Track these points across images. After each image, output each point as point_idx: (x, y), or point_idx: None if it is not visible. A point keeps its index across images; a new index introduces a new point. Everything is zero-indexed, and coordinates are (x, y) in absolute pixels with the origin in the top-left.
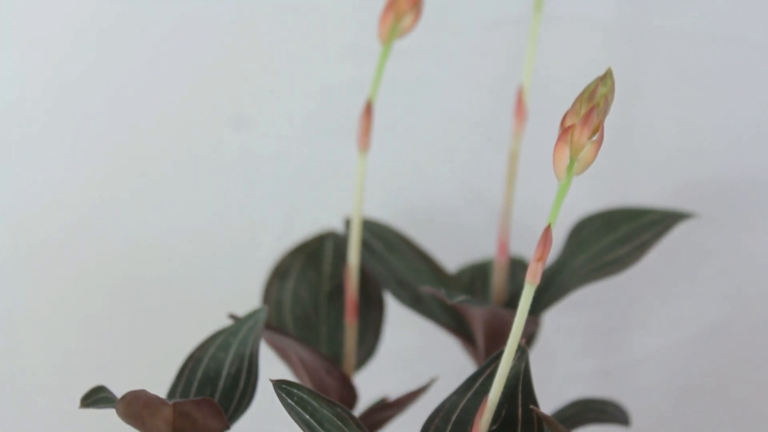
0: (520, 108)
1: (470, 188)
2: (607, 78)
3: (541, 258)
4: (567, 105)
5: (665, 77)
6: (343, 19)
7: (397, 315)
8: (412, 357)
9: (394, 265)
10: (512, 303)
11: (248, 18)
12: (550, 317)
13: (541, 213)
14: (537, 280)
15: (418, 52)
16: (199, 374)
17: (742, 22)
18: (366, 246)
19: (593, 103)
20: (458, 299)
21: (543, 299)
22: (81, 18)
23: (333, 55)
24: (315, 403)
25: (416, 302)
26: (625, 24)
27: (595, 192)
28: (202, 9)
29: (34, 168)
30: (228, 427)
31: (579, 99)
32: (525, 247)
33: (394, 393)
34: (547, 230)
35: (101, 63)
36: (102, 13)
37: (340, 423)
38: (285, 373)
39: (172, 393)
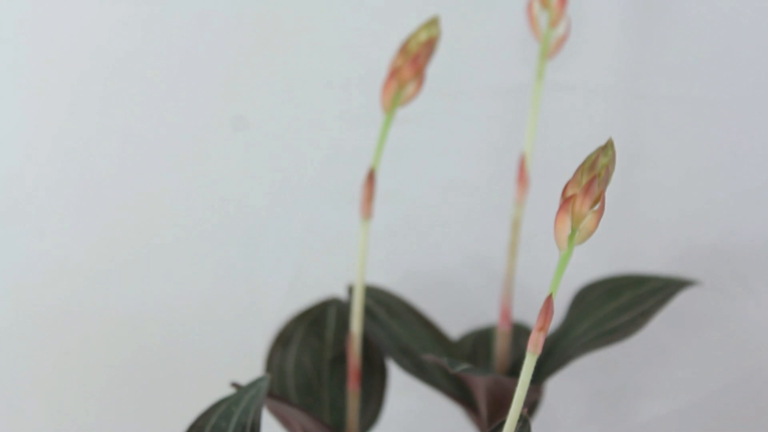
0: (522, 176)
1: (473, 254)
2: (608, 148)
3: (542, 328)
4: (569, 172)
5: (667, 144)
6: (346, 86)
7: (399, 382)
8: (414, 424)
9: (396, 332)
10: (515, 370)
11: (253, 86)
12: (554, 383)
13: (544, 279)
14: (539, 350)
15: (421, 118)
16: None
17: (743, 89)
18: (369, 313)
19: (594, 173)
20: (460, 368)
21: (546, 367)
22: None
23: (337, 121)
24: None
25: (419, 369)
26: (626, 91)
27: (598, 257)
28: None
29: (37, 236)
30: None
31: (580, 169)
32: (528, 312)
33: None
34: (549, 300)
35: (104, 130)
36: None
37: None
38: None
39: None
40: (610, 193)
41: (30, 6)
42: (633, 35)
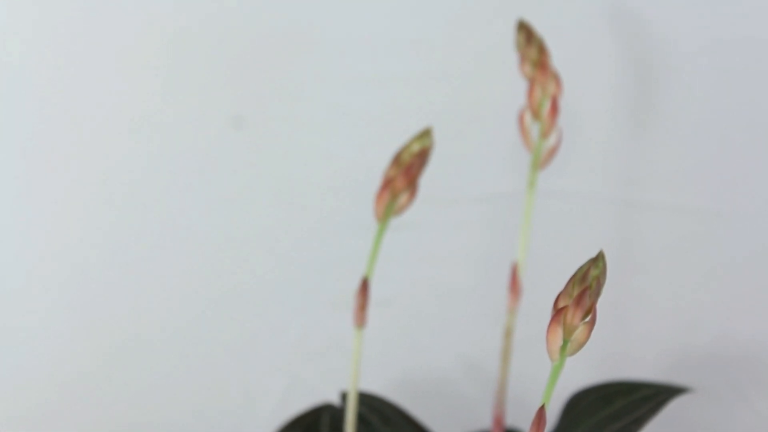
0: (514, 284)
1: (466, 360)
2: (598, 260)
3: None
4: (562, 279)
5: (660, 250)
6: (340, 193)
7: None
8: None
9: None
10: None
11: (247, 195)
12: None
13: (537, 385)
14: None
15: (414, 225)
16: None
17: (733, 197)
18: (362, 420)
19: (585, 285)
20: None
21: None
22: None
23: (330, 228)
24: None
25: None
26: (617, 198)
27: (590, 363)
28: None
29: (30, 327)
30: None
31: (571, 280)
32: (521, 418)
33: None
34: (541, 410)
35: (97, 227)
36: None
37: None
38: None
39: None
40: (602, 299)
41: (30, 5)
42: (625, 143)
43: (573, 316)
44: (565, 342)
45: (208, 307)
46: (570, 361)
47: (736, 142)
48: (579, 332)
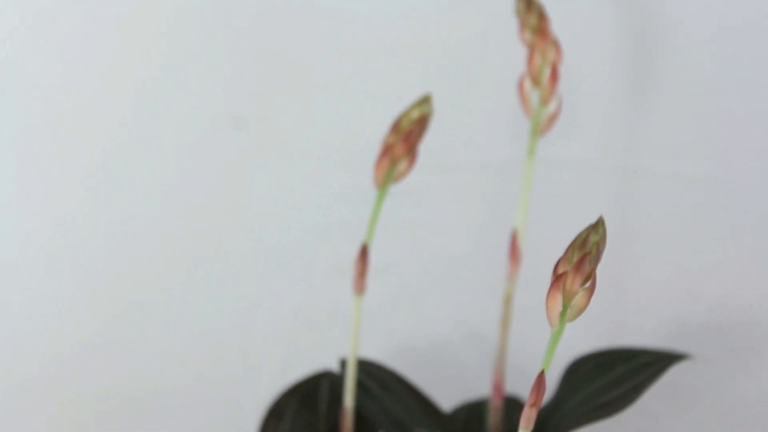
0: (514, 251)
1: (465, 328)
2: (598, 226)
3: (534, 404)
4: (561, 246)
5: (659, 218)
6: (339, 161)
7: None
8: None
9: (389, 405)
10: None
11: (247, 160)
12: None
13: (536, 352)
14: (531, 426)
15: (413, 192)
16: None
17: (734, 164)
18: (361, 387)
19: (585, 251)
20: None
21: None
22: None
23: (329, 196)
24: None
25: None
26: (617, 166)
27: (590, 331)
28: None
29: (29, 297)
30: None
31: (571, 246)
32: (521, 385)
33: None
34: (541, 376)
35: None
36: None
37: None
38: None
39: None
40: (601, 267)
41: (29, 4)
42: (625, 111)
43: (573, 282)
44: (565, 308)
45: (207, 274)
46: (569, 330)
47: (735, 110)
48: (579, 298)
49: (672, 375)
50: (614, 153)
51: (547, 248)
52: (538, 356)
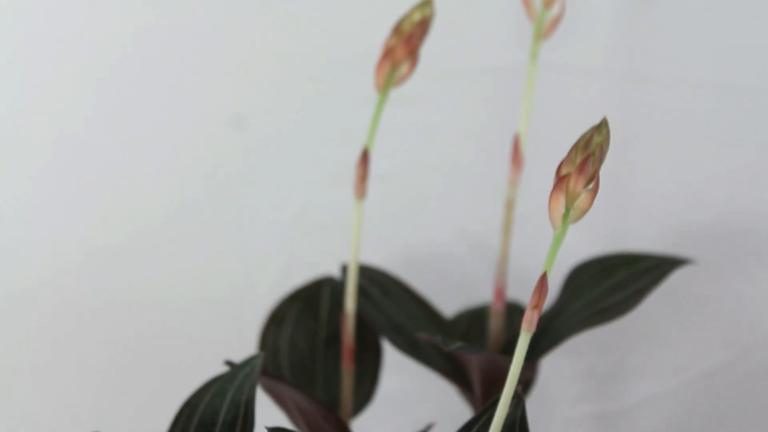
0: (516, 156)
1: (467, 233)
2: (602, 127)
3: (536, 306)
4: (563, 152)
5: (662, 124)
6: (339, 66)
7: (393, 361)
8: (409, 403)
9: (390, 311)
10: (509, 349)
11: (246, 68)
12: (548, 362)
13: (538, 258)
14: (533, 328)
15: (414, 98)
16: (195, 421)
17: (738, 69)
18: (362, 292)
19: (589, 152)
20: (454, 346)
21: (539, 345)
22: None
23: (329, 102)
24: None
25: (413, 348)
26: (620, 71)
27: (592, 237)
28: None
29: (31, 219)
30: None
31: (574, 148)
32: (522, 291)
33: None
34: (543, 278)
35: (98, 117)
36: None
37: None
38: (281, 420)
39: None
40: (604, 173)
41: (29, 4)
42: (628, 16)
43: (576, 183)
44: (568, 209)
45: (207, 182)
46: (571, 237)
47: (739, 15)
48: (582, 199)
49: (673, 280)
50: (618, 58)
51: (550, 154)
52: (539, 264)
